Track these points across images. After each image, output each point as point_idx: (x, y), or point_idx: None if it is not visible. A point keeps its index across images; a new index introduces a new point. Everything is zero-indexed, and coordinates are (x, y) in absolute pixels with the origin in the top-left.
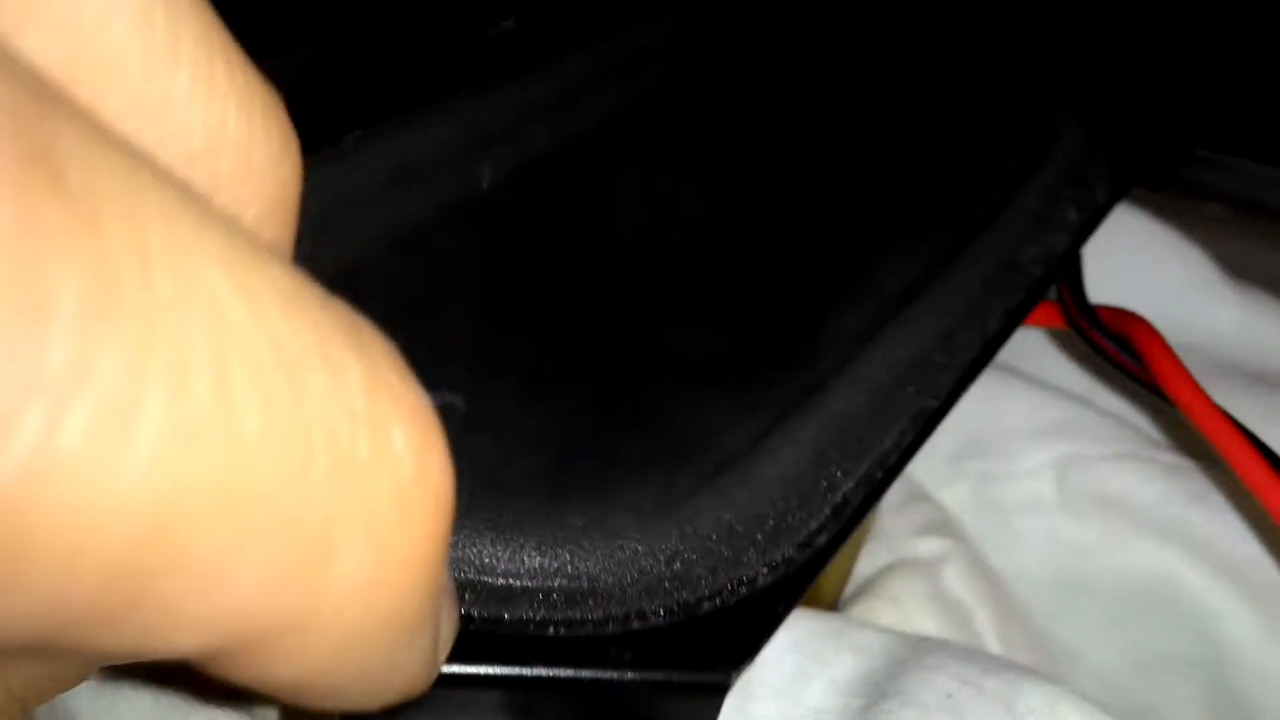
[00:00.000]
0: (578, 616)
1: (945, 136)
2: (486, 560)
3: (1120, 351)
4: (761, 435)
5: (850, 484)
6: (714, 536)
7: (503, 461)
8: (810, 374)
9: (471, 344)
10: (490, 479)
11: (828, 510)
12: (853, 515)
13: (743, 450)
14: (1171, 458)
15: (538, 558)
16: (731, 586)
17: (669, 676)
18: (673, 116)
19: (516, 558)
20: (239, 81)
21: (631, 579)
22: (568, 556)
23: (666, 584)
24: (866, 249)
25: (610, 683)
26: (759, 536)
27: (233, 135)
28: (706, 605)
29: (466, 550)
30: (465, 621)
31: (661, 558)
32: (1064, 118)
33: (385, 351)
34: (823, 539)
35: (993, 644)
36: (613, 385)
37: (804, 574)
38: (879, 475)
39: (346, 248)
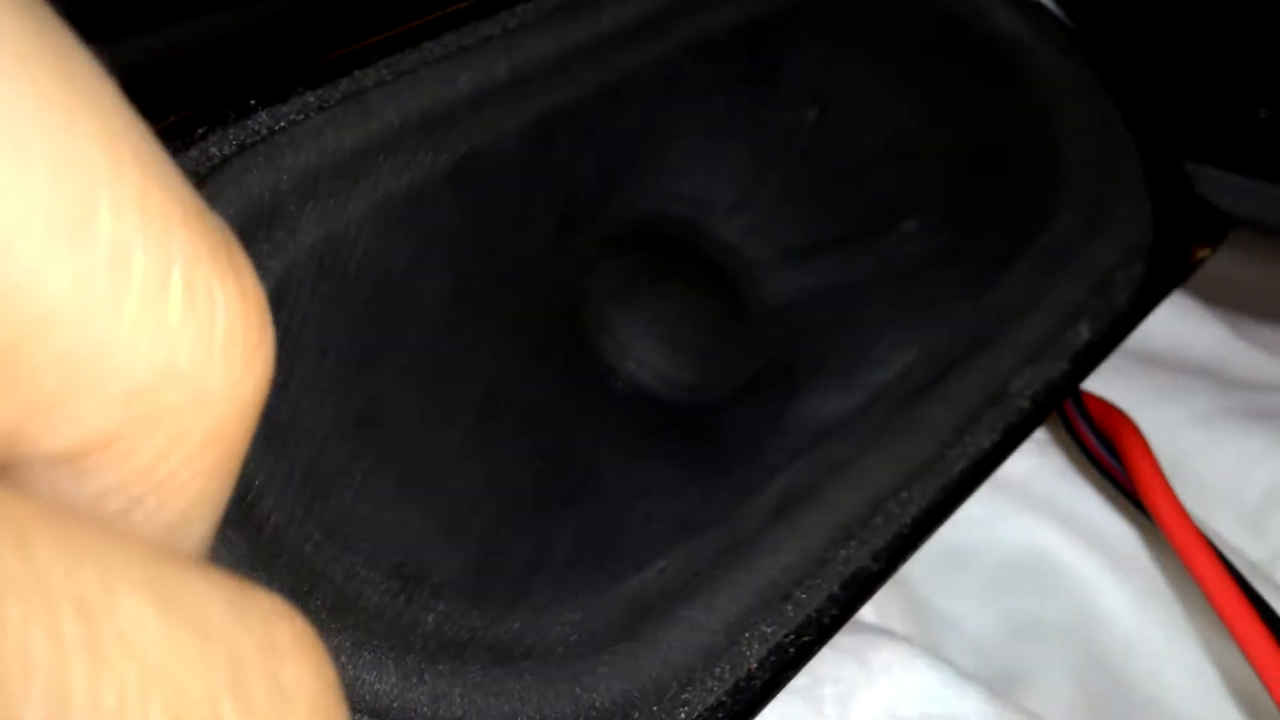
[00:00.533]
0: None
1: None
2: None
3: (1103, 451)
4: (688, 585)
5: (761, 655)
6: (608, 707)
7: (424, 545)
8: (756, 515)
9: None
10: (407, 570)
11: (728, 687)
12: (755, 697)
13: (664, 596)
14: (1043, 434)
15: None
16: None
17: None
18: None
19: (407, 701)
20: (200, 302)
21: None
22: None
23: None
24: (867, 326)
25: None
26: (655, 709)
27: (184, 367)
28: None
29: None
30: None
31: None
32: (1111, 204)
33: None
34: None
35: (867, 613)
36: (563, 446)
37: None
38: (792, 652)
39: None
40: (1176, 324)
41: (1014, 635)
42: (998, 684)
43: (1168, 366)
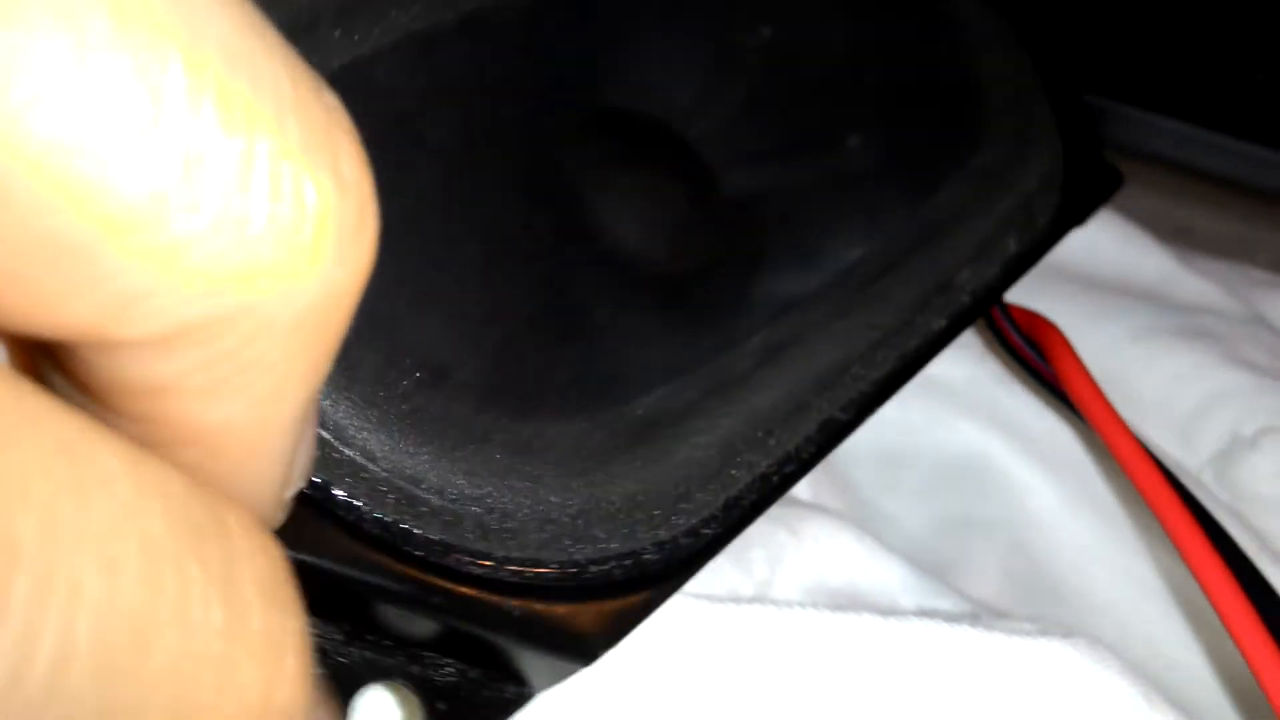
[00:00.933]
0: (483, 550)
1: (917, 115)
2: (411, 470)
3: (1033, 355)
4: (683, 413)
5: (748, 480)
6: (617, 505)
7: (442, 351)
8: (739, 361)
9: (433, 214)
10: (429, 369)
11: (720, 503)
12: (743, 515)
13: (661, 421)
14: (979, 344)
15: (463, 483)
16: (618, 559)
17: (543, 635)
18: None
19: (445, 477)
20: (286, 198)
21: (537, 526)
22: (490, 490)
23: (565, 540)
24: (821, 223)
25: (488, 616)
26: (655, 513)
27: (269, 263)
28: (593, 569)
29: (400, 448)
30: (380, 524)
31: (567, 514)
32: (1029, 141)
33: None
34: (709, 531)
35: (803, 493)
36: (556, 289)
37: (688, 563)
38: (775, 479)
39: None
40: (1123, 252)
41: (948, 531)
42: (929, 573)
43: (1112, 289)
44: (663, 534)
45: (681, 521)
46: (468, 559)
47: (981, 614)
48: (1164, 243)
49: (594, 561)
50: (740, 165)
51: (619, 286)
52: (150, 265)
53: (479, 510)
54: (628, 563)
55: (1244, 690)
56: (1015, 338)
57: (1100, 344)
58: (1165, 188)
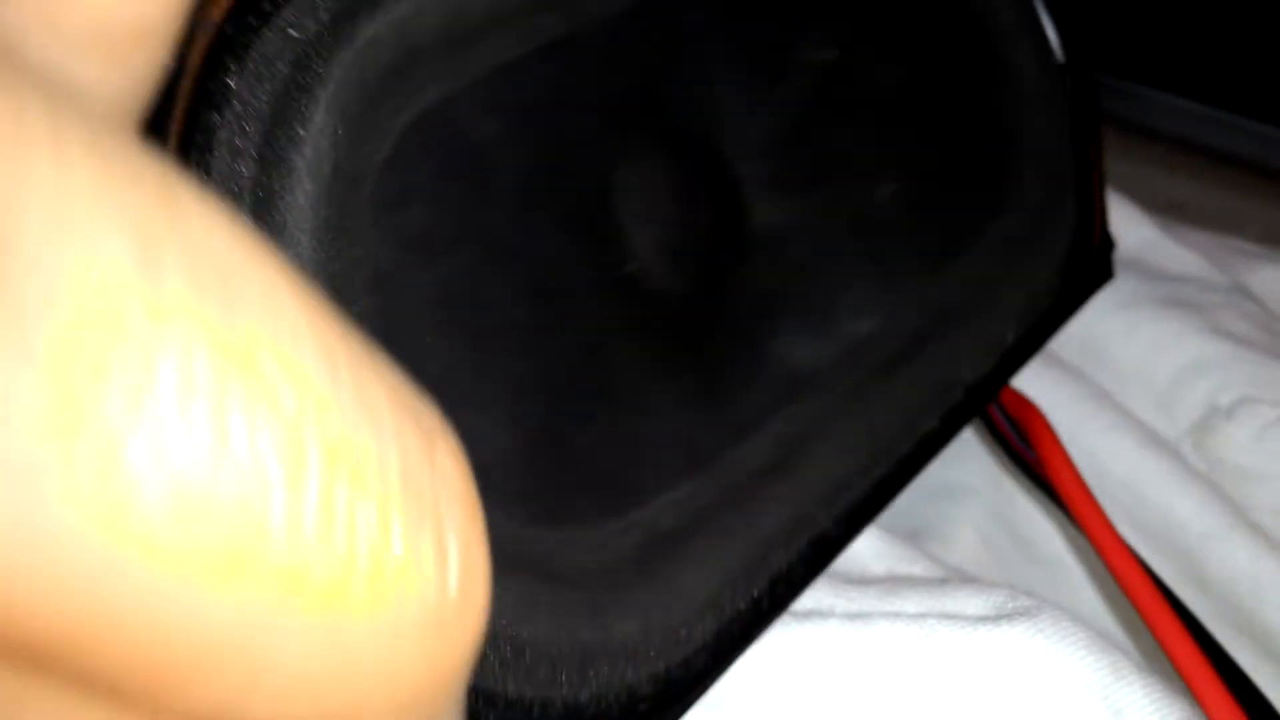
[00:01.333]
0: (497, 690)
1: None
2: None
3: (1017, 439)
4: (693, 526)
5: (741, 605)
6: (622, 638)
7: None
8: (750, 458)
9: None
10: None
11: (712, 632)
12: (733, 644)
13: (673, 536)
14: None
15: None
16: (616, 694)
17: None
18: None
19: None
20: (387, 596)
21: (549, 663)
22: (508, 620)
23: (569, 675)
24: (837, 280)
25: None
26: (655, 646)
27: (367, 666)
28: (592, 710)
29: None
30: None
31: (578, 648)
32: (1048, 217)
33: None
34: (700, 662)
35: None
36: (586, 346)
37: (680, 698)
38: (766, 604)
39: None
40: (1111, 222)
41: (925, 497)
42: (904, 538)
43: None
44: (659, 667)
45: (676, 653)
46: (482, 701)
47: (951, 579)
48: (1152, 214)
49: (596, 698)
50: (772, 195)
51: (644, 338)
52: (232, 692)
53: (501, 640)
54: (624, 699)
55: None
56: (1004, 424)
57: (1083, 311)
58: (1157, 161)
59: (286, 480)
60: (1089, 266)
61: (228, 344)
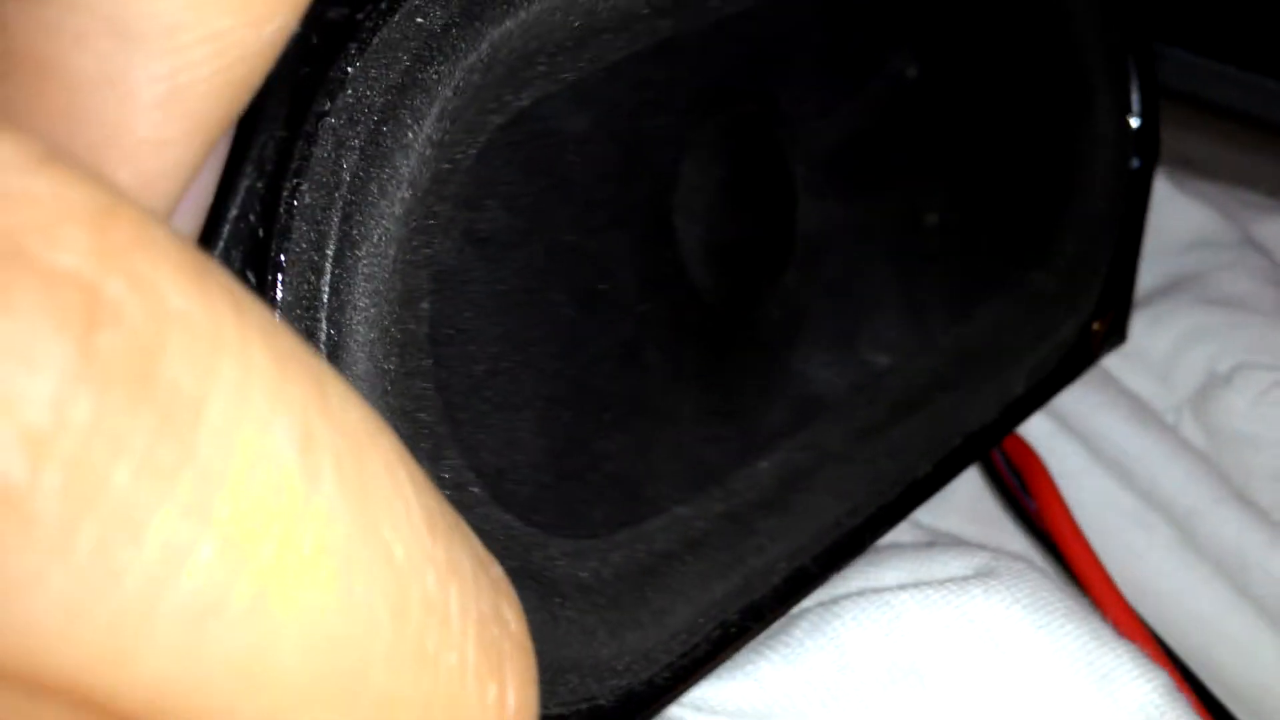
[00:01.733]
0: None
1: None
2: None
3: (1016, 485)
4: (690, 548)
5: (709, 629)
6: (605, 654)
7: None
8: (753, 485)
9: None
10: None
11: (679, 651)
12: (696, 666)
13: (672, 555)
14: None
15: None
16: (577, 704)
17: None
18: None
19: None
20: None
21: (542, 665)
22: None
23: (543, 684)
24: (863, 305)
25: None
26: (629, 663)
27: None
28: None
29: None
30: None
31: (559, 657)
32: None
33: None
34: (663, 679)
35: None
36: (623, 332)
37: (641, 709)
38: (734, 630)
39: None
40: None
41: None
42: None
43: None
44: (624, 682)
45: (644, 672)
46: None
47: (939, 542)
48: (1162, 169)
49: (561, 707)
50: (822, 205)
51: (677, 338)
52: None
53: None
54: (584, 711)
55: None
56: (1005, 470)
57: None
58: (1168, 118)
59: (393, 625)
60: (1106, 331)
61: (361, 523)
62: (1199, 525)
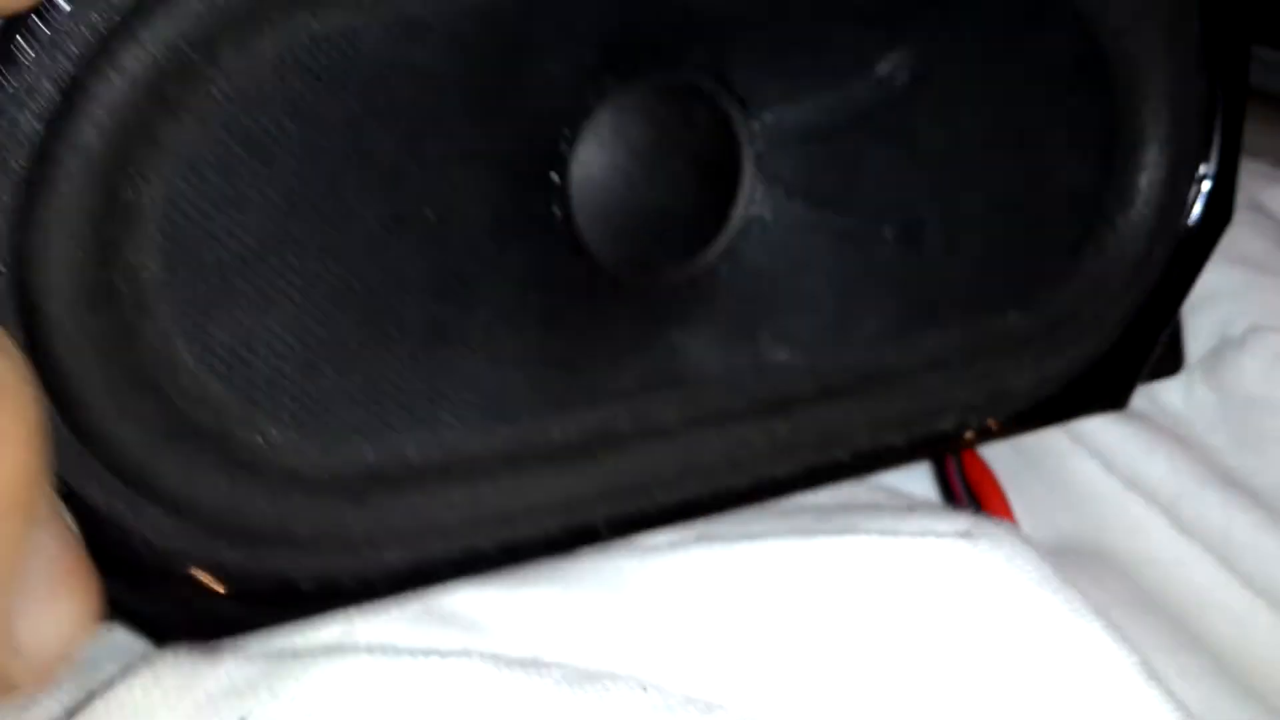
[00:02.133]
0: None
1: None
2: None
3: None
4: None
5: (450, 554)
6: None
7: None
8: (525, 441)
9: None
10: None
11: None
12: (411, 581)
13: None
14: None
15: None
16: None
17: None
18: None
19: None
20: None
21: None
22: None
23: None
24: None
25: None
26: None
27: None
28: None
29: None
30: None
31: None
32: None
33: None
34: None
35: None
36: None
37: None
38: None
39: None
40: None
41: None
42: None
43: None
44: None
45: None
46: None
47: (918, 507)
48: None
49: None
50: (776, 182)
51: (527, 282)
52: None
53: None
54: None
55: None
56: (959, 488)
57: None
58: None
59: None
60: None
61: None
62: (1183, 510)
